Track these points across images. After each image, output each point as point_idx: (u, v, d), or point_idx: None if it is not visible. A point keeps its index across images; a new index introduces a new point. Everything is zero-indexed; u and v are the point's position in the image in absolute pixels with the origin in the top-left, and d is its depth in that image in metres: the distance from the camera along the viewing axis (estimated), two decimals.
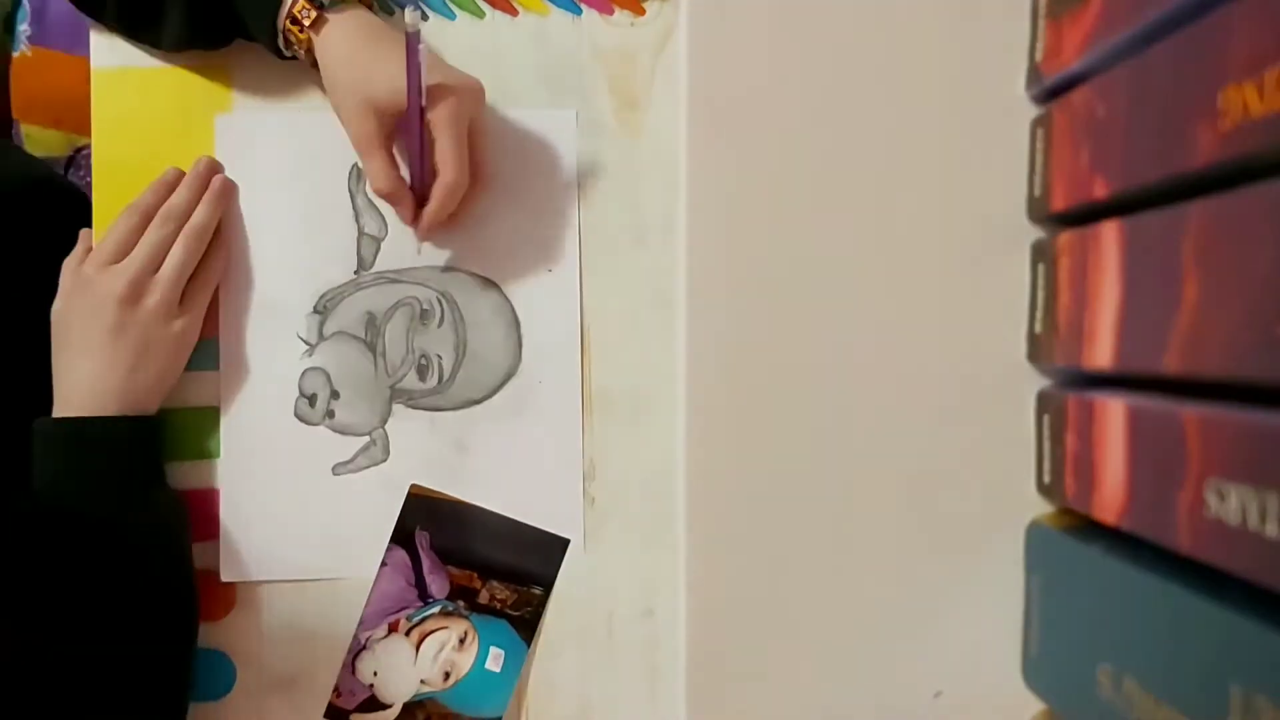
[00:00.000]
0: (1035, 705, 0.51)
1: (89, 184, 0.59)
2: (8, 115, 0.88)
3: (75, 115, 0.70)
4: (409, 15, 0.47)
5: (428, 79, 0.50)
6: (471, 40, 0.58)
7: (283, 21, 0.52)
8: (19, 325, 0.57)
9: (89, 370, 0.53)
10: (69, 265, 0.56)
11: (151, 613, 0.53)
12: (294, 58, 0.54)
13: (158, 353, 0.55)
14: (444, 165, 0.52)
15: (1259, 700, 0.33)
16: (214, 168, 0.57)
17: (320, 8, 0.51)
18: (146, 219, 0.55)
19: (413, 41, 0.48)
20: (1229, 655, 0.35)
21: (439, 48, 0.57)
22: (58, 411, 0.54)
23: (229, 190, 0.57)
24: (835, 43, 0.53)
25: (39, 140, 0.86)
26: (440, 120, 0.51)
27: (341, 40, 0.52)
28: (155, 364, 0.55)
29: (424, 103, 0.50)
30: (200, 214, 0.56)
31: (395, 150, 0.54)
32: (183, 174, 0.57)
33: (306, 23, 0.52)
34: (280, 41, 0.53)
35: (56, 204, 0.58)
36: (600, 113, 0.58)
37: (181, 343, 0.56)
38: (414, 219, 0.55)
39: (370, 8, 0.55)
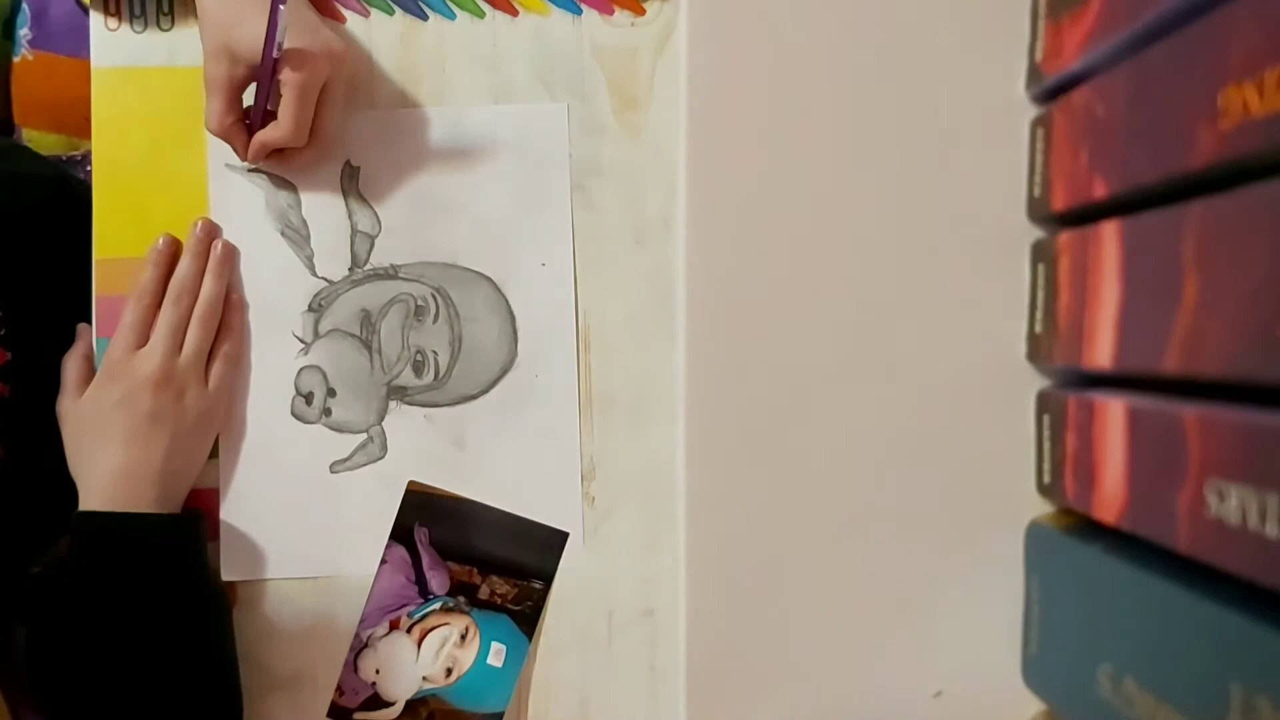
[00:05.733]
0: (1035, 705, 0.51)
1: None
2: (9, 120, 0.88)
3: (76, 118, 0.70)
4: None
5: (295, 40, 0.51)
6: (472, 40, 0.58)
7: None
8: (42, 329, 0.57)
9: (125, 458, 0.53)
10: (74, 360, 0.56)
11: (194, 708, 0.54)
12: None
13: (192, 435, 0.55)
14: (282, 120, 0.53)
15: (1259, 700, 0.33)
16: (212, 231, 0.57)
17: None
18: (157, 298, 0.56)
19: (275, 3, 0.49)
20: (1229, 655, 0.35)
21: (441, 48, 0.58)
22: (89, 504, 0.53)
23: (231, 255, 0.57)
24: (835, 43, 0.53)
25: (40, 144, 0.86)
26: (290, 80, 0.51)
27: None
28: (190, 448, 0.55)
29: (277, 59, 0.51)
30: (209, 288, 0.56)
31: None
32: (177, 242, 0.57)
33: None
34: None
35: (74, 206, 0.58)
36: (600, 112, 0.58)
37: (212, 424, 0.56)
38: (244, 154, 0.55)
39: None
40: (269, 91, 0.53)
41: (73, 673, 0.52)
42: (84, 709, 0.52)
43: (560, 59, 0.58)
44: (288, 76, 0.51)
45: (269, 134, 0.53)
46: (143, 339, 0.55)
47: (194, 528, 0.56)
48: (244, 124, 0.55)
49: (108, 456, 0.53)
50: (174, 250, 0.57)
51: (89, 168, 0.63)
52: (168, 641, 0.53)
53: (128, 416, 0.53)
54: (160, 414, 0.54)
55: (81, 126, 0.58)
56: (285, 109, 0.52)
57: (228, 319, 0.57)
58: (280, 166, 0.57)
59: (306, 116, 0.53)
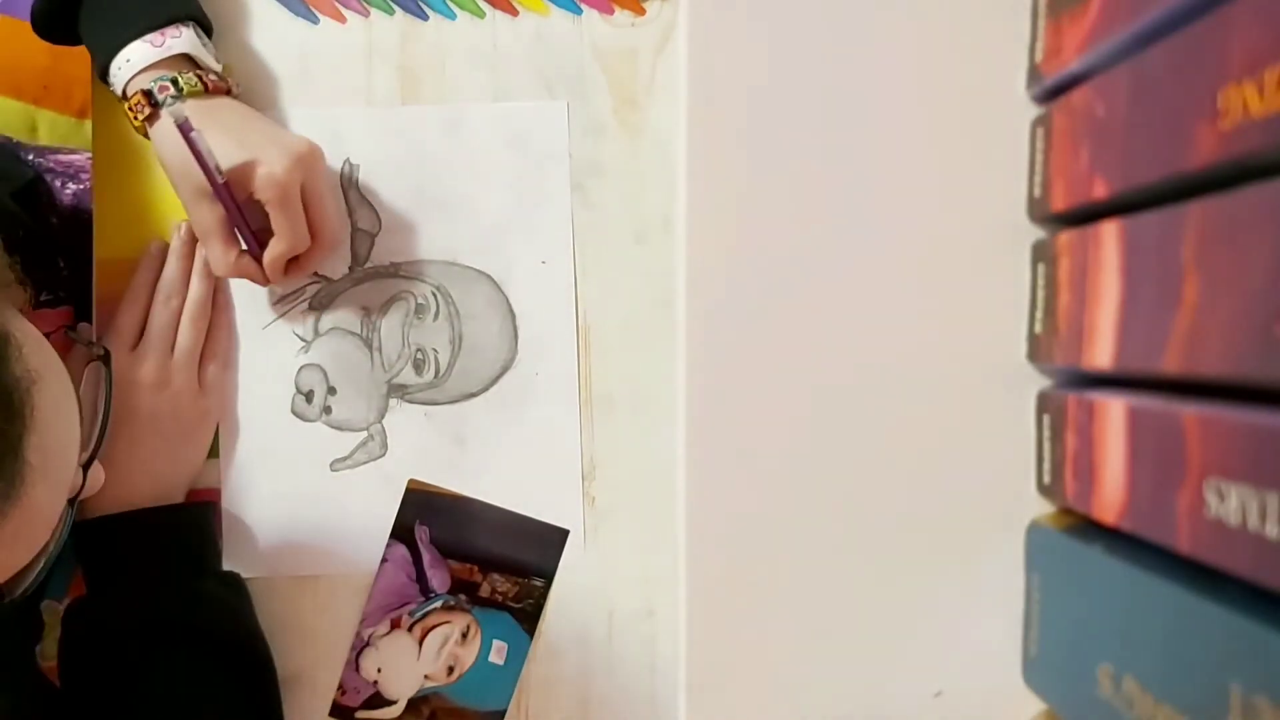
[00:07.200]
0: (1035, 705, 0.51)
1: (72, 193, 0.58)
2: None
3: (35, 86, 0.68)
4: (174, 110, 0.49)
5: (257, 153, 0.51)
6: (472, 40, 0.58)
7: (123, 100, 0.52)
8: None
9: (122, 460, 0.53)
10: None
11: (230, 698, 0.54)
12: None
13: (188, 436, 0.56)
14: (277, 234, 0.52)
15: (1259, 700, 0.33)
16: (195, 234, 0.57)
17: (155, 105, 0.51)
18: (148, 301, 0.56)
19: (184, 130, 0.49)
20: (1229, 655, 0.35)
21: (441, 48, 0.58)
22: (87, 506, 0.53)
23: None
24: (835, 42, 0.53)
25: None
26: (266, 196, 0.51)
27: (171, 134, 0.51)
28: (186, 449, 0.56)
29: (222, 180, 0.50)
30: (196, 288, 0.56)
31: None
32: (166, 245, 0.57)
33: (140, 116, 0.52)
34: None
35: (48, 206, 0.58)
36: (600, 112, 0.58)
37: (207, 424, 0.57)
38: (263, 280, 0.55)
39: (228, 93, 0.54)
40: (237, 213, 0.52)
41: (108, 672, 0.52)
42: (120, 704, 0.52)
43: (560, 59, 0.58)
44: (260, 188, 0.51)
45: (272, 252, 0.53)
46: (135, 341, 0.55)
47: (206, 516, 0.56)
48: (248, 255, 0.54)
49: (104, 458, 0.53)
50: (165, 254, 0.57)
51: (52, 159, 0.61)
52: (192, 636, 0.53)
53: (123, 419, 0.53)
54: (155, 416, 0.54)
55: (40, 95, 0.57)
56: (276, 224, 0.52)
57: (216, 318, 0.57)
58: (301, 273, 0.56)
59: (298, 222, 0.52)
